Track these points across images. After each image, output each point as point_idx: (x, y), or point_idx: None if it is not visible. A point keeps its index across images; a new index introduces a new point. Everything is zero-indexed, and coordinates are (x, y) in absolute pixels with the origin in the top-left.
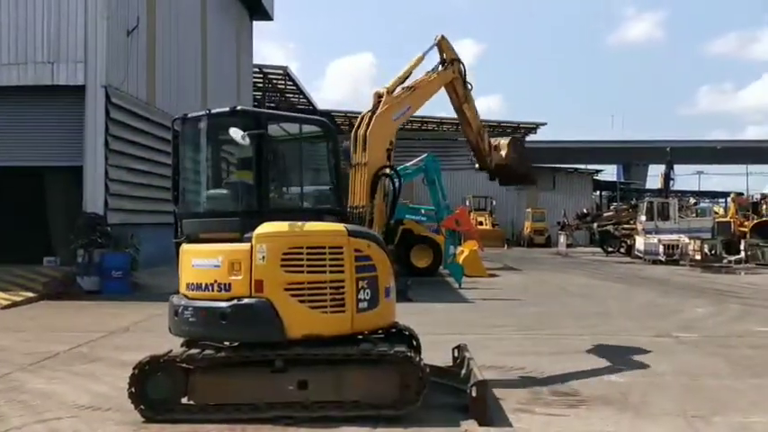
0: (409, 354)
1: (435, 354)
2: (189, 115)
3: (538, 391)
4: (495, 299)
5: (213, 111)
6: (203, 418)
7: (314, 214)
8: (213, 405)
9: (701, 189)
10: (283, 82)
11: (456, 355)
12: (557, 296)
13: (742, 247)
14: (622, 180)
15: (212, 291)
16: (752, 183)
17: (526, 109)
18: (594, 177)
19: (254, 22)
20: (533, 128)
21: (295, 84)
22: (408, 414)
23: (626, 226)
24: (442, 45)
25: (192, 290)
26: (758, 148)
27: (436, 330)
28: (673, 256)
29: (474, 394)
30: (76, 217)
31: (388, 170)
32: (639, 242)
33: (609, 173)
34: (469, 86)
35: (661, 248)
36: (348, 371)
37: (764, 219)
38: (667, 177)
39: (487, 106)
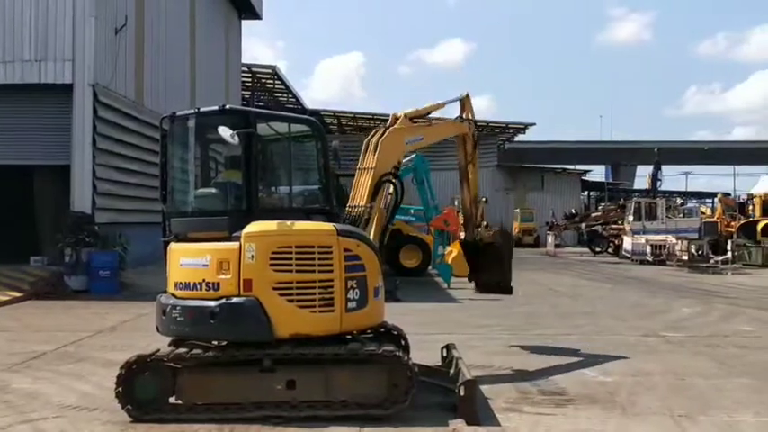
0: (398, 353)
1: (424, 353)
2: (177, 114)
3: (526, 390)
4: (483, 299)
5: (202, 109)
6: (191, 417)
7: (303, 214)
8: (201, 404)
9: (689, 190)
10: (272, 81)
11: (444, 354)
12: (545, 296)
13: (729, 247)
14: (610, 180)
15: (200, 290)
16: (739, 183)
17: (515, 109)
18: (583, 178)
19: (243, 21)
20: (522, 128)
21: (284, 83)
22: (397, 413)
23: (614, 226)
24: (465, 102)
25: (181, 289)
26: (745, 149)
27: (425, 330)
28: (660, 256)
29: (462, 393)
30: (64, 216)
31: (392, 177)
32: (627, 242)
33: (597, 173)
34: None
35: (648, 249)
36: (336, 370)
37: (751, 219)
38: (655, 178)
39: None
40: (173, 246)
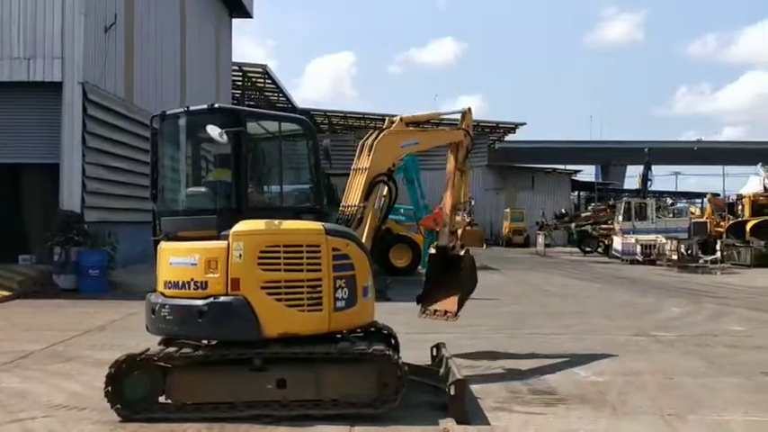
0: (388, 352)
1: (414, 352)
2: (167, 112)
3: (516, 389)
4: (473, 298)
5: (191, 108)
6: (181, 417)
7: (293, 213)
8: (191, 404)
9: (678, 189)
10: (263, 80)
11: (434, 353)
12: (535, 296)
13: (718, 247)
14: (600, 180)
15: (189, 289)
16: (728, 184)
17: (506, 109)
18: (573, 177)
19: (234, 20)
20: (513, 128)
21: (274, 82)
22: (387, 412)
23: (604, 226)
24: (466, 116)
25: (170, 288)
26: (734, 149)
27: (415, 329)
28: (650, 256)
29: (452, 393)
30: (53, 215)
31: (386, 178)
32: (617, 242)
33: (587, 173)
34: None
35: (638, 248)
36: (327, 369)
37: (740, 219)
38: (645, 178)
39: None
40: (162, 245)
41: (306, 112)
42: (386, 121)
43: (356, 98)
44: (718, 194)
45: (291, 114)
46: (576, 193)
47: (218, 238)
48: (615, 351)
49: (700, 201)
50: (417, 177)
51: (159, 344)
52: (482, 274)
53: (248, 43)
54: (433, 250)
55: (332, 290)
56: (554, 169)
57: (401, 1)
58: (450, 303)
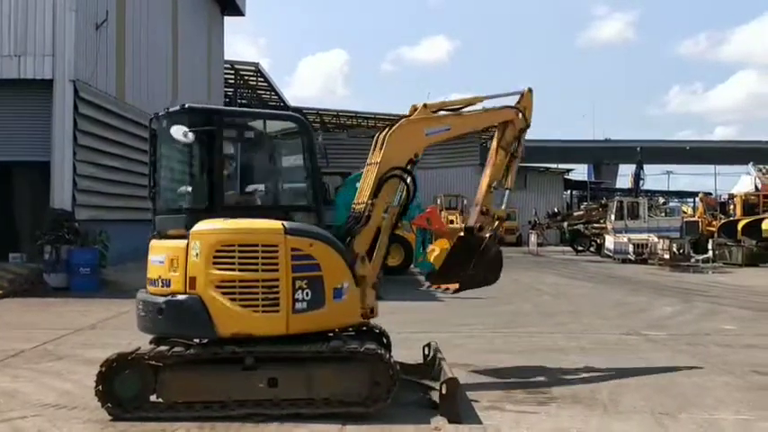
0: (380, 351)
1: (406, 351)
2: (159, 113)
3: (508, 388)
4: (465, 297)
5: (170, 109)
6: (172, 415)
7: (281, 211)
8: (182, 403)
9: (671, 189)
10: (255, 78)
11: (426, 352)
12: (527, 295)
13: (710, 246)
14: (593, 179)
15: (158, 286)
16: (720, 183)
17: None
18: (565, 177)
19: (226, 18)
20: None
21: (267, 80)
22: (379, 411)
23: (596, 225)
24: (525, 96)
25: (150, 285)
26: (726, 148)
27: (407, 328)
28: (642, 255)
29: (444, 392)
30: (44, 213)
31: (403, 173)
32: (609, 241)
33: (579, 172)
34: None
35: (630, 247)
36: (318, 368)
37: (732, 219)
38: (637, 177)
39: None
40: (151, 242)
41: (298, 110)
42: (410, 109)
43: (348, 96)
44: (710, 194)
45: (285, 112)
46: (569, 192)
47: (184, 237)
48: (607, 350)
49: (692, 200)
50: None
51: (150, 342)
52: None
53: (240, 41)
54: (431, 247)
55: (290, 291)
56: (546, 168)
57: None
58: (456, 280)
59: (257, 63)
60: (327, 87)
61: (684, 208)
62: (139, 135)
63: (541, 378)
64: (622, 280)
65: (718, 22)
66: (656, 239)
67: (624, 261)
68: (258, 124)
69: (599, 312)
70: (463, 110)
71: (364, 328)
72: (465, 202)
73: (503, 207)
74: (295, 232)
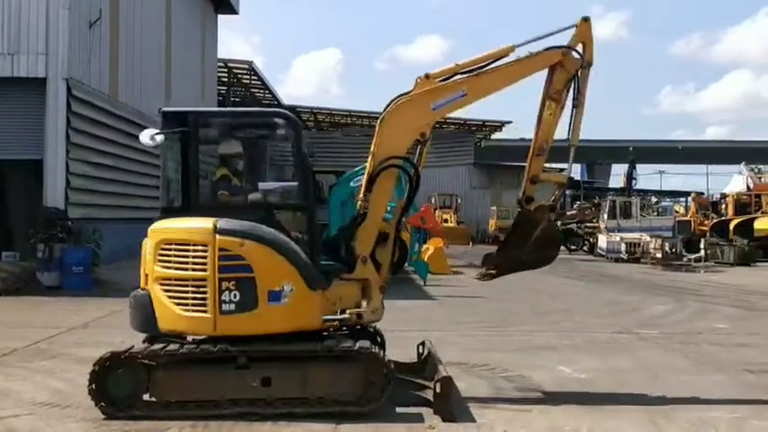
0: (374, 350)
1: (400, 350)
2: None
3: (502, 386)
4: (459, 296)
5: (163, 109)
6: (165, 414)
7: (265, 210)
8: (176, 402)
9: (663, 188)
10: (248, 77)
11: (420, 351)
12: (521, 293)
13: (702, 245)
14: (586, 179)
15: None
16: (712, 183)
17: (492, 107)
18: None
19: (219, 16)
20: (499, 126)
21: (260, 78)
22: (373, 410)
23: (589, 224)
24: (582, 27)
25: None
26: (718, 148)
27: (401, 327)
28: (634, 254)
29: (438, 390)
30: (37, 211)
31: (401, 161)
32: (602, 240)
33: (573, 171)
34: (573, 101)
35: (623, 247)
36: (312, 367)
37: (723, 218)
38: (630, 177)
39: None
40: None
41: (292, 109)
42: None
43: (342, 95)
44: (703, 193)
45: (271, 109)
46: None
47: None
48: (600, 348)
49: (684, 199)
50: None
51: (143, 341)
52: (469, 271)
53: (234, 40)
54: (426, 246)
55: (217, 291)
56: None
57: None
58: (495, 263)
59: (251, 61)
60: (322, 86)
61: (677, 207)
62: (133, 134)
63: (535, 376)
64: (615, 279)
65: (711, 23)
66: (648, 239)
67: (617, 260)
68: (241, 122)
69: (592, 311)
70: (486, 68)
71: (358, 327)
72: (459, 201)
73: (565, 172)
74: (225, 232)
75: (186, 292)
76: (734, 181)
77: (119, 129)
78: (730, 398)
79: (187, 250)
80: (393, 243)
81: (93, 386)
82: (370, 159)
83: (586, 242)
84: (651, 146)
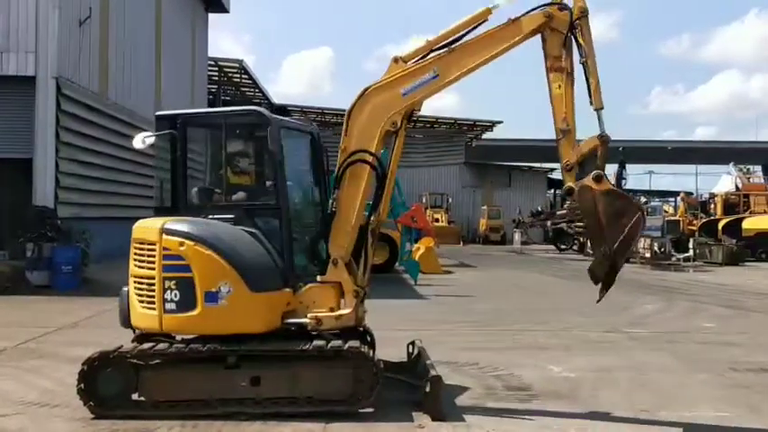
0: (363, 350)
1: (390, 350)
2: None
3: (491, 386)
4: (450, 295)
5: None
6: (154, 414)
7: (243, 210)
8: (164, 401)
9: (652, 188)
10: (239, 75)
11: (410, 350)
12: (511, 293)
13: (690, 245)
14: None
15: None
16: (701, 183)
17: (482, 107)
18: (549, 176)
19: (210, 14)
20: (490, 126)
21: (251, 77)
22: (362, 410)
23: (579, 224)
24: None
25: None
26: (707, 148)
27: (391, 326)
28: None
29: (428, 389)
30: (26, 210)
31: (366, 155)
32: None
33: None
34: (580, 59)
35: None
36: (302, 367)
37: (712, 218)
38: (619, 177)
39: (443, 104)
40: None
41: (282, 107)
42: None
43: (334, 94)
44: (692, 193)
45: (244, 108)
46: (553, 190)
47: None
48: (588, 347)
49: (673, 199)
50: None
51: (132, 340)
52: (459, 271)
53: (225, 38)
54: (417, 246)
55: (161, 290)
56: (530, 167)
57: None
58: (597, 276)
59: (241, 60)
60: (313, 85)
61: (666, 207)
62: (123, 132)
63: (523, 375)
64: None
65: (700, 23)
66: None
67: None
68: (218, 122)
69: (581, 310)
70: (461, 41)
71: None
72: (450, 200)
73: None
74: (169, 232)
75: (142, 289)
76: (722, 181)
77: (108, 127)
78: (717, 396)
79: (143, 249)
80: (368, 245)
81: (82, 386)
82: (340, 154)
83: (576, 241)
84: (641, 146)
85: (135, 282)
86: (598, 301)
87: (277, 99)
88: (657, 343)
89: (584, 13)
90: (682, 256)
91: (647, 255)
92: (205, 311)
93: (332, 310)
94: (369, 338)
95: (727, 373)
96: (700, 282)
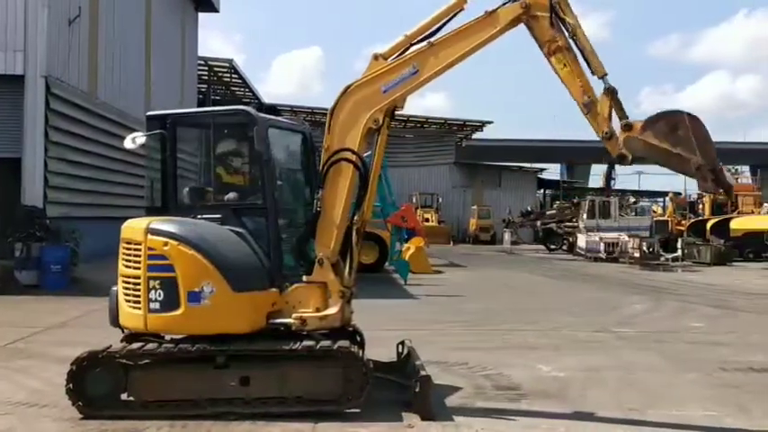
0: (353, 349)
1: (380, 349)
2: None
3: (480, 385)
4: (439, 295)
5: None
6: (143, 414)
7: (230, 210)
8: (153, 401)
9: (641, 188)
10: (229, 75)
11: (400, 350)
12: (500, 292)
13: (679, 245)
14: (565, 179)
15: None
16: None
17: (472, 107)
18: (539, 176)
19: (200, 14)
20: (479, 126)
21: (241, 77)
22: (352, 410)
23: (568, 224)
24: None
25: None
26: None
27: (381, 326)
28: (613, 253)
29: (417, 389)
30: (15, 210)
31: (348, 154)
32: (581, 240)
33: (553, 172)
34: (568, 34)
35: (602, 246)
36: (291, 367)
37: (700, 218)
38: (609, 177)
39: (433, 104)
40: None
41: (272, 107)
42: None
43: (324, 94)
44: (680, 193)
45: (230, 107)
46: (542, 191)
47: None
48: (577, 347)
49: (662, 200)
50: (385, 173)
51: (122, 340)
52: (449, 270)
53: (215, 38)
54: (407, 246)
55: (146, 290)
56: (520, 167)
57: None
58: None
59: (231, 60)
60: (303, 84)
61: (654, 207)
62: (112, 132)
63: (513, 375)
64: (594, 278)
65: (689, 24)
66: (626, 238)
67: (596, 259)
68: (206, 122)
69: (570, 310)
70: (439, 33)
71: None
72: (440, 200)
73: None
74: (154, 231)
75: (129, 288)
76: None
77: (98, 127)
78: (705, 396)
79: (129, 249)
80: (354, 245)
81: (71, 386)
82: (323, 153)
83: (566, 241)
84: None
85: (123, 281)
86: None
87: (267, 99)
88: (646, 342)
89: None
90: (670, 255)
91: (636, 255)
92: (188, 311)
93: (318, 310)
94: (358, 338)
95: (715, 373)
96: (688, 282)
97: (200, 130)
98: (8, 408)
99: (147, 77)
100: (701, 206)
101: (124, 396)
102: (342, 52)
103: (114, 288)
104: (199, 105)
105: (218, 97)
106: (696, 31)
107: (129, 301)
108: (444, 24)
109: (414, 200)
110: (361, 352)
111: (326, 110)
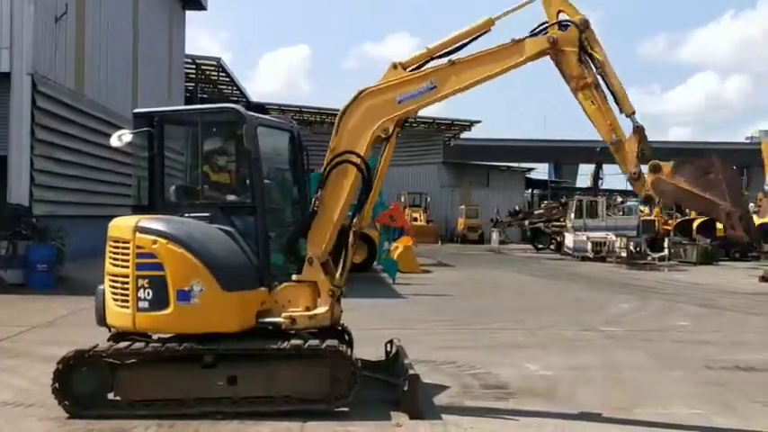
0: (341, 348)
1: (368, 349)
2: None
3: (468, 384)
4: (428, 294)
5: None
6: (130, 413)
7: (218, 208)
8: (140, 401)
9: (628, 188)
10: (216, 73)
11: (388, 349)
12: (488, 292)
13: (665, 244)
14: (553, 179)
15: None
16: None
17: (461, 106)
18: (527, 175)
19: (187, 12)
20: (468, 125)
21: (228, 75)
22: (340, 409)
23: (556, 223)
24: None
25: None
26: (682, 149)
27: (369, 325)
28: (600, 253)
29: (405, 388)
30: (0, 208)
31: (354, 157)
32: (569, 239)
33: (541, 171)
34: (596, 70)
35: (589, 246)
36: (279, 366)
37: (687, 218)
38: (596, 177)
39: None
40: None
41: (260, 105)
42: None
43: (311, 92)
44: None
45: (219, 105)
46: (530, 190)
47: None
48: (565, 346)
49: None
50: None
51: (108, 340)
52: (438, 270)
53: (202, 36)
54: (395, 245)
55: (135, 288)
56: (508, 167)
57: None
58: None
59: (219, 58)
60: (290, 83)
61: (641, 207)
62: (99, 130)
63: (501, 373)
64: (581, 277)
65: (677, 25)
66: (613, 238)
67: (583, 259)
68: (194, 120)
69: (558, 309)
70: (461, 52)
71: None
72: (429, 199)
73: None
74: (143, 230)
75: (117, 287)
76: None
77: (84, 125)
78: (691, 394)
79: (117, 247)
80: (347, 246)
81: (57, 385)
82: (328, 153)
83: (554, 241)
84: None
85: (110, 280)
86: (750, 245)
87: (254, 97)
88: (633, 341)
89: (586, 25)
90: (657, 255)
91: (623, 254)
92: (177, 310)
93: (307, 309)
94: (347, 337)
95: (701, 371)
96: (675, 281)
97: (188, 128)
98: None
99: (135, 75)
100: None
101: (111, 395)
102: (329, 51)
103: (101, 287)
104: (186, 103)
105: (205, 95)
106: (684, 31)
107: (116, 300)
108: (468, 44)
109: (402, 199)
110: (349, 351)
111: (315, 109)
